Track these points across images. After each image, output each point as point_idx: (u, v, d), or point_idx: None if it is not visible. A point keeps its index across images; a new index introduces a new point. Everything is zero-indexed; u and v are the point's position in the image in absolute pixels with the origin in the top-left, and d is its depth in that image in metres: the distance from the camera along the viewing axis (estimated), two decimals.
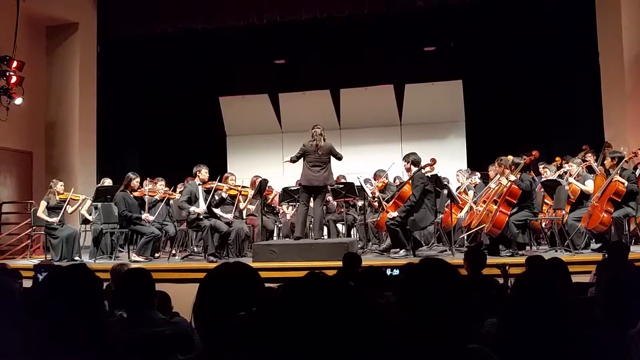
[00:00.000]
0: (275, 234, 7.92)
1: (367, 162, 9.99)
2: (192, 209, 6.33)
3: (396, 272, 2.69)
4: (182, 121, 11.21)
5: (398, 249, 6.09)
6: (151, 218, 6.79)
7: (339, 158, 6.33)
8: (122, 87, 10.31)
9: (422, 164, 6.19)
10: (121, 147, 10.75)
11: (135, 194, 6.84)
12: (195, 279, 5.26)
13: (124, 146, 10.85)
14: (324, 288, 0.87)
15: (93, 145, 9.70)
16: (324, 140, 6.23)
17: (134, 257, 6.49)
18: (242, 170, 9.73)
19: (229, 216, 6.76)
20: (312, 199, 6.45)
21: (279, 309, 0.86)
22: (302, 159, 6.24)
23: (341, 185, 7.30)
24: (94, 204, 7.29)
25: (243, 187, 7.34)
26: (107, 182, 7.83)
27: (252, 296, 1.32)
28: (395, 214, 6.00)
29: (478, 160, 9.06)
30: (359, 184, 7.06)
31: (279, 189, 7.88)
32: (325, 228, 7.60)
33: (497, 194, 6.15)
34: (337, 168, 7.48)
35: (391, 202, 6.40)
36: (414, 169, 6.13)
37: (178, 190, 7.90)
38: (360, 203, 7.68)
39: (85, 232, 7.59)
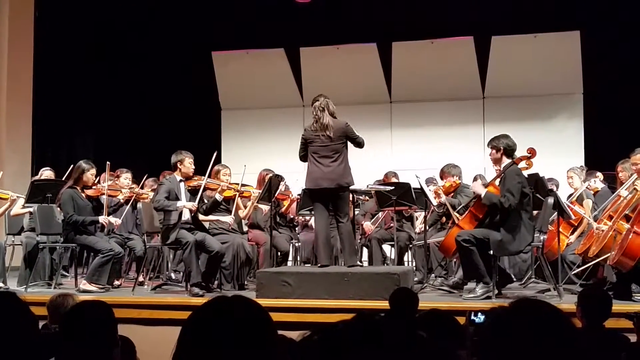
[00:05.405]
0: (290, 257, 7.95)
1: (430, 154, 9.92)
2: (180, 204, 6.48)
3: (480, 317, 2.64)
4: (156, 89, 11.35)
5: (474, 282, 6.02)
6: (115, 220, 6.99)
7: (359, 143, 6.28)
8: (72, 40, 10.48)
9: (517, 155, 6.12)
10: (69, 124, 10.95)
11: (89, 192, 6.98)
12: (173, 320, 5.33)
13: (73, 124, 11.05)
14: (383, 340, 0.85)
15: (27, 120, 9.92)
16: (331, 116, 6.17)
17: (84, 285, 6.63)
18: (243, 160, 9.77)
19: (228, 219, 6.99)
20: (329, 208, 6.35)
21: None
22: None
23: (391, 188, 7.28)
24: (27, 205, 7.44)
25: (243, 185, 7.39)
26: (47, 173, 8.00)
27: (261, 349, 1.32)
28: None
29: (601, 154, 8.94)
30: (419, 186, 7.03)
31: (298, 191, 7.90)
32: (365, 250, 7.60)
33: (630, 205, 6.07)
34: (386, 163, 7.46)
35: (466, 213, 6.34)
36: (506, 160, 6.03)
37: (147, 188, 8.00)
38: (419, 215, 7.63)
39: (12, 246, 7.77)
